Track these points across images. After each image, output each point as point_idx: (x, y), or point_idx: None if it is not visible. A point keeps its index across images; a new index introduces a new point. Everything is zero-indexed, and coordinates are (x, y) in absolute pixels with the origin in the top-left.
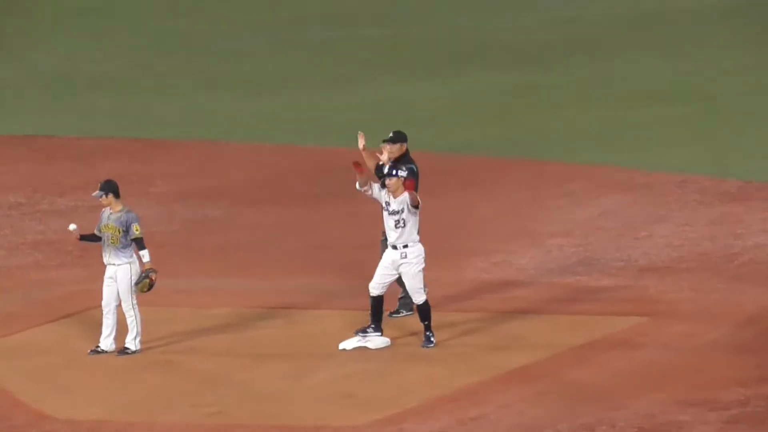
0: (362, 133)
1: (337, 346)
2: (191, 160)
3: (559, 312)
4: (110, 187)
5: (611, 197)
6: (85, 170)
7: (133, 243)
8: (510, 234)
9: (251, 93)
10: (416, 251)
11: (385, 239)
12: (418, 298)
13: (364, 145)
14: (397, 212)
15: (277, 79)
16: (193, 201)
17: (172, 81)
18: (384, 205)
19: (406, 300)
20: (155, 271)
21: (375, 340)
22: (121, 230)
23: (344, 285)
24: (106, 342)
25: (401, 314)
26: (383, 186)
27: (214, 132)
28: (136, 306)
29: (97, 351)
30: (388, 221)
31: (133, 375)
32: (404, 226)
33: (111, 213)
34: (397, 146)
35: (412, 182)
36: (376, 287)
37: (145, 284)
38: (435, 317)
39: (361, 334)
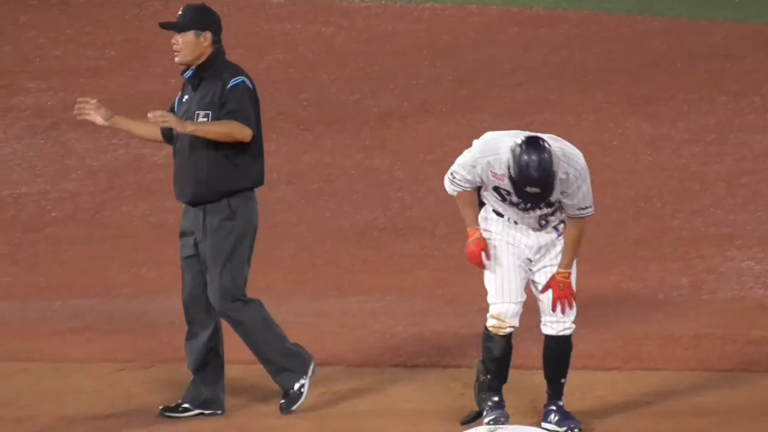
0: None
1: None
2: (116, 29)
3: None
4: None
5: None
6: None
7: None
8: None
9: None
10: None
11: (186, 236)
12: (570, 320)
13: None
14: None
15: None
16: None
17: None
18: (502, 195)
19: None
20: None
21: None
22: None
23: (440, 310)
24: None
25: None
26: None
27: None
28: None
29: None
30: (525, 220)
31: None
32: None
33: None
34: (189, 38)
35: None
36: (509, 313)
37: None
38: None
39: (490, 417)
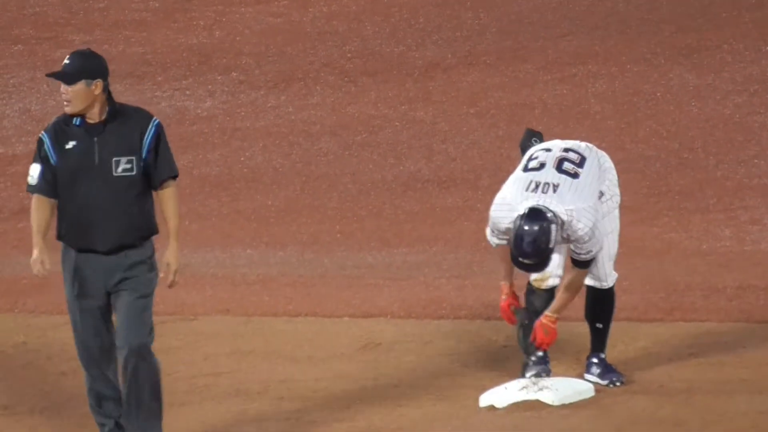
0: None
1: (476, 402)
2: None
3: None
4: None
5: None
6: None
7: None
8: None
9: None
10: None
11: None
12: (607, 282)
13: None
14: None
15: None
16: (149, 77)
17: None
18: None
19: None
20: None
21: (557, 387)
22: None
23: (483, 262)
24: None
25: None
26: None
27: None
28: None
29: None
30: None
31: None
32: None
33: None
34: (79, 88)
35: None
36: (552, 263)
37: None
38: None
39: (532, 372)
